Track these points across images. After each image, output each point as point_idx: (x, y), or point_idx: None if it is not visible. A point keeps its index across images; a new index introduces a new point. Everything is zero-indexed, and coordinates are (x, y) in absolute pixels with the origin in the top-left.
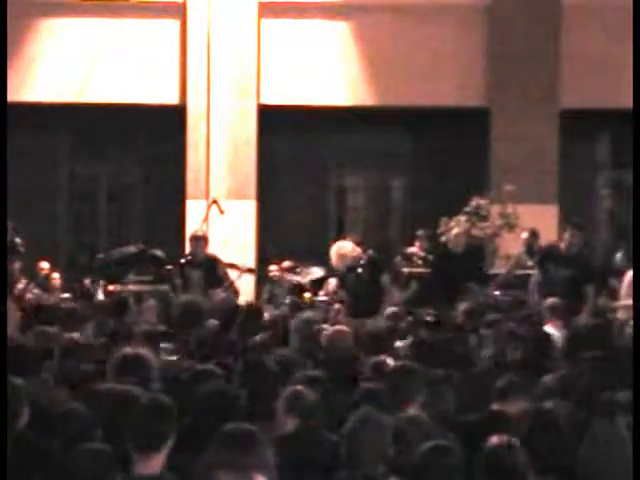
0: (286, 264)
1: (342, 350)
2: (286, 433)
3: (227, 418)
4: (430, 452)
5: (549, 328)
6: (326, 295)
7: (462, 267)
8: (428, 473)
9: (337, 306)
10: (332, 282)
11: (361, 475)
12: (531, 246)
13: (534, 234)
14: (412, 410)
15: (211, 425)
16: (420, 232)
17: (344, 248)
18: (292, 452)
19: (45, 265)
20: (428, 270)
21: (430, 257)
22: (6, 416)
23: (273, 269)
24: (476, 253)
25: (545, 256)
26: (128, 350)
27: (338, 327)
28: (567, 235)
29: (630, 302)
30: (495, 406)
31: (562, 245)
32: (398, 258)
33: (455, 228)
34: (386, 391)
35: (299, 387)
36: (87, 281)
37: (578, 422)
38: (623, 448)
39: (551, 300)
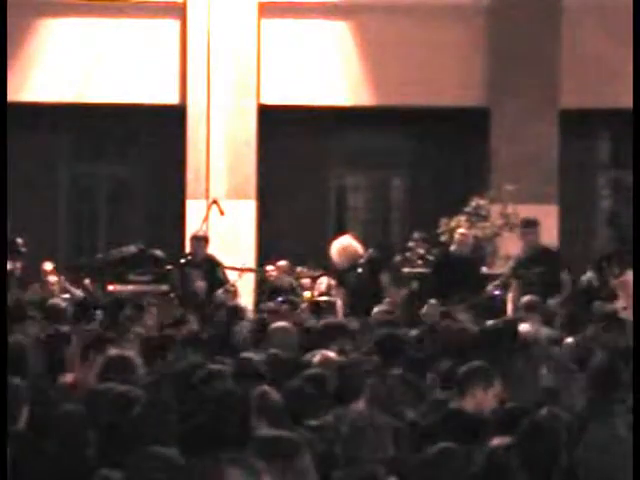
0: (279, 264)
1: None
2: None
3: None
4: (438, 455)
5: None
6: (320, 295)
7: (461, 268)
8: (435, 475)
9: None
10: (324, 281)
11: (360, 475)
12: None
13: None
14: (360, 405)
15: (219, 425)
16: (418, 233)
17: (345, 244)
18: None
19: (49, 266)
20: (428, 270)
21: (429, 257)
22: (6, 416)
23: (272, 269)
24: (476, 255)
25: (515, 267)
26: (113, 352)
27: (282, 324)
28: (522, 236)
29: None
30: (454, 404)
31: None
32: (398, 258)
33: (461, 228)
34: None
35: (266, 387)
36: (87, 281)
37: (575, 424)
38: (621, 450)
39: (526, 298)
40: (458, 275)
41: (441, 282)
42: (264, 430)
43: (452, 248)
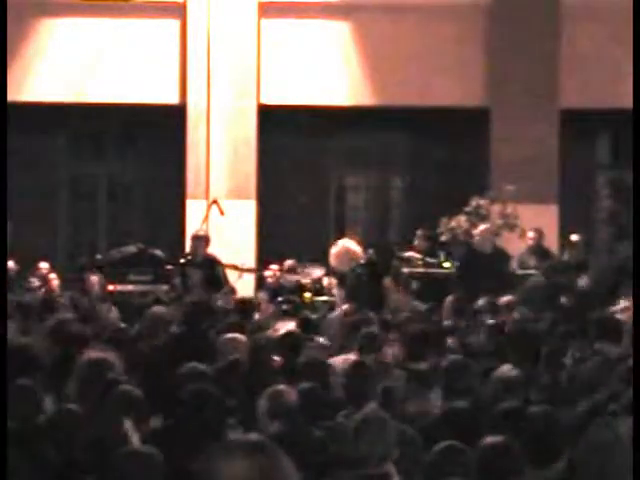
0: (286, 264)
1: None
2: (272, 434)
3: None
4: (444, 452)
5: None
6: (328, 296)
7: (489, 267)
8: (441, 473)
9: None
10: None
11: (365, 474)
12: (538, 246)
13: (540, 234)
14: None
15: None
16: (419, 232)
17: (343, 249)
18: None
19: (44, 265)
20: (428, 270)
21: (427, 258)
22: (6, 416)
23: (273, 269)
24: (503, 254)
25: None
26: (93, 354)
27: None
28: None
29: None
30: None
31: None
32: (397, 259)
33: (480, 227)
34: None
35: (281, 387)
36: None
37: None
38: (621, 450)
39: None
40: (485, 272)
41: (468, 280)
42: (232, 434)
43: (475, 244)
